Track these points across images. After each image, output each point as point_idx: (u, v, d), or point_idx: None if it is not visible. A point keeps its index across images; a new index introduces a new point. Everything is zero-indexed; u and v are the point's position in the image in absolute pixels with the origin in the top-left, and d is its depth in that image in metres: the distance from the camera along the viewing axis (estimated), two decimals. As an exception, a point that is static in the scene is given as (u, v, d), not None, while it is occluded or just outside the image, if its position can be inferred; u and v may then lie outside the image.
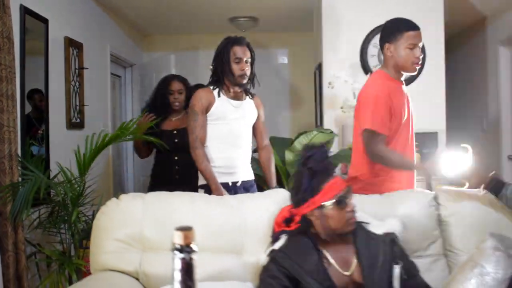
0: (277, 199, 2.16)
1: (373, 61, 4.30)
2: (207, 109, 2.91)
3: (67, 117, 3.96)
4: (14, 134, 2.85)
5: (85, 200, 3.22)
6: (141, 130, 3.40)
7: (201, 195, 2.30)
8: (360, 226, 1.90)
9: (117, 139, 3.25)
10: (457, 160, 2.23)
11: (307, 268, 1.74)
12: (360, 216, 1.92)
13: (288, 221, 1.94)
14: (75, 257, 3.16)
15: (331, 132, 3.45)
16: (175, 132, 3.59)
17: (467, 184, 2.37)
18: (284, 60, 6.36)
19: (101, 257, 2.13)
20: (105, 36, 4.96)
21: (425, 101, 4.28)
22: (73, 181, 3.07)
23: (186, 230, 0.86)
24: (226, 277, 2.04)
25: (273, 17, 5.57)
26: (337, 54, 4.36)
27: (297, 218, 1.86)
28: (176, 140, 3.56)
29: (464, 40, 6.37)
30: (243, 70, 2.89)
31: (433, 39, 4.39)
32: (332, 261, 1.79)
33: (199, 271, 2.16)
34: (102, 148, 3.22)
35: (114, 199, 2.25)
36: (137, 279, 2.09)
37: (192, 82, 4.64)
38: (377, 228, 1.94)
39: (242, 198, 2.28)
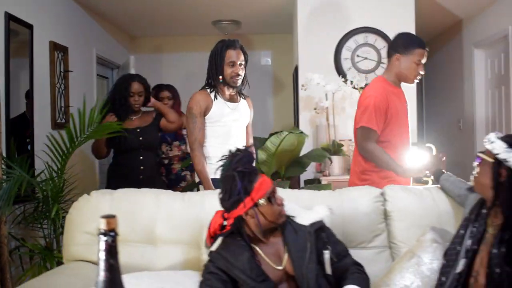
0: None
1: (347, 64, 4.49)
2: (205, 112, 3.03)
3: (52, 117, 4.15)
4: (-4, 134, 3.03)
5: (66, 197, 3.41)
6: (106, 130, 3.42)
7: (165, 191, 2.46)
8: (287, 220, 2.00)
9: (87, 139, 3.42)
10: (420, 157, 2.62)
11: (240, 266, 1.85)
12: (291, 208, 2.06)
13: (222, 227, 2.01)
14: (56, 251, 3.34)
15: (302, 132, 3.62)
16: (138, 130, 3.62)
17: (430, 181, 2.64)
18: (268, 61, 6.55)
19: (73, 248, 2.32)
20: (91, 39, 5.14)
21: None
22: (54, 178, 3.25)
23: (109, 217, 1.02)
24: (186, 267, 2.22)
25: (255, 20, 5.76)
26: (311, 57, 4.55)
27: (230, 221, 1.95)
28: (140, 138, 3.61)
29: (443, 42, 6.56)
30: (236, 73, 3.01)
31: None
32: (264, 257, 1.92)
33: (161, 262, 2.35)
34: (74, 148, 3.39)
35: (85, 195, 2.43)
36: (104, 268, 2.27)
37: (179, 83, 4.85)
38: (306, 217, 2.04)
39: (204, 194, 2.46)
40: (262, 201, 1.88)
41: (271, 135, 3.74)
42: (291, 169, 3.96)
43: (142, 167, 3.60)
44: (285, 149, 3.82)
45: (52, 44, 4.15)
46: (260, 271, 1.88)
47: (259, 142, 4.26)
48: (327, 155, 3.83)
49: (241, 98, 3.20)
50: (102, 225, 1.04)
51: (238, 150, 1.98)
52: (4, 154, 3.29)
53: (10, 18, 3.48)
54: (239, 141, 3.13)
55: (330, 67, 4.50)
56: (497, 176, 1.81)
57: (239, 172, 1.89)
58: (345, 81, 4.26)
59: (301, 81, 4.42)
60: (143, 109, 3.78)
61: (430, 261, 2.10)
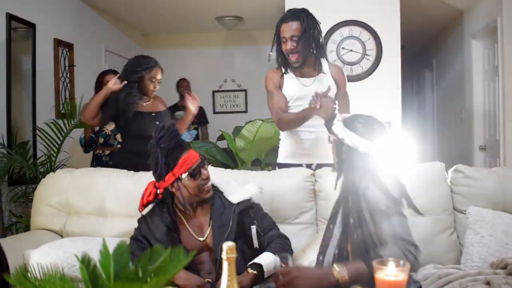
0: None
1: (332, 56, 4.65)
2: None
3: (56, 108, 4.54)
4: (-7, 122, 3.42)
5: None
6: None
7: (118, 171, 2.76)
8: (218, 196, 2.21)
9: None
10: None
11: (158, 236, 2.09)
12: (225, 181, 2.29)
13: (156, 195, 2.22)
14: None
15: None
16: (153, 114, 3.37)
17: None
18: (273, 55, 6.74)
19: (37, 219, 2.66)
20: (99, 36, 5.53)
21: (380, 94, 4.60)
22: (46, 163, 3.62)
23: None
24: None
25: (256, 15, 5.98)
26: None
27: (161, 190, 2.17)
28: (157, 123, 3.24)
29: (447, 35, 6.57)
30: (287, 49, 2.77)
31: (389, 35, 4.67)
32: (188, 227, 2.13)
33: (110, 232, 2.62)
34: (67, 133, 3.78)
35: (51, 173, 2.78)
36: (61, 236, 2.60)
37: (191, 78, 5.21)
38: (236, 194, 2.23)
39: (150, 174, 2.73)
40: (184, 176, 2.09)
41: (246, 123, 3.98)
42: (270, 156, 4.19)
43: None
44: (263, 137, 4.07)
45: (56, 41, 4.54)
46: (176, 243, 2.08)
47: (238, 130, 4.49)
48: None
49: (322, 72, 2.88)
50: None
51: (162, 127, 2.15)
52: (5, 143, 3.70)
53: (11, 18, 3.87)
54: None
55: (316, 60, 4.66)
56: (339, 150, 1.92)
57: (162, 149, 2.10)
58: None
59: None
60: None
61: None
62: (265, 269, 2.02)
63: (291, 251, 2.19)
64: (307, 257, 2.30)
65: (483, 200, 2.39)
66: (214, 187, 2.23)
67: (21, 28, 4.06)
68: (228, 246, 1.23)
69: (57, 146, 3.77)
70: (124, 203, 2.59)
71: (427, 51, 7.97)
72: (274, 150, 4.28)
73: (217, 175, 2.31)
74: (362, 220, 1.76)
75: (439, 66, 7.18)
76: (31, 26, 4.15)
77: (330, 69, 2.91)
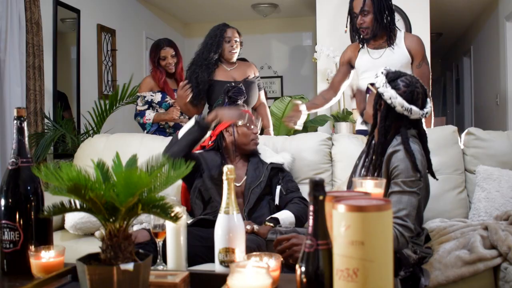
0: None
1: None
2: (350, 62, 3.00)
3: (99, 89, 4.85)
4: (40, 96, 3.73)
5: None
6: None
7: (149, 135, 3.00)
8: (255, 155, 2.52)
9: (119, 102, 4.05)
10: None
11: (209, 162, 2.41)
12: (264, 148, 2.54)
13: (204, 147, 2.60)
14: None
15: (302, 97, 3.99)
16: (233, 83, 3.08)
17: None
18: (308, 42, 6.88)
19: (76, 178, 2.92)
20: (140, 23, 5.84)
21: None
22: (88, 134, 3.91)
23: (19, 108, 1.53)
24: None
25: (290, 3, 6.13)
26: (329, 34, 4.85)
27: (217, 132, 2.49)
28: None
29: (484, 18, 6.52)
30: (358, 24, 2.84)
31: (419, 18, 4.72)
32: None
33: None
34: (113, 109, 4.04)
35: (90, 137, 3.04)
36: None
37: None
38: (272, 157, 2.53)
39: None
40: (240, 122, 2.45)
41: (275, 99, 4.15)
42: (298, 133, 4.34)
43: None
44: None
45: (99, 26, 4.85)
46: (221, 176, 2.34)
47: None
48: (330, 119, 4.16)
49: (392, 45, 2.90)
50: (14, 112, 1.55)
51: (232, 83, 2.73)
52: (51, 117, 4.02)
53: (58, 3, 4.19)
54: None
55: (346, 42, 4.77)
56: (377, 106, 1.98)
57: (229, 97, 2.57)
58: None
59: (316, 54, 4.76)
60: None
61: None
62: (281, 222, 2.23)
63: (307, 211, 2.36)
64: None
65: (493, 160, 2.47)
66: (256, 150, 2.53)
67: (68, 18, 4.36)
68: (228, 168, 1.41)
69: (100, 123, 4.04)
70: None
71: (465, 38, 7.91)
72: (304, 126, 4.46)
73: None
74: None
75: (477, 52, 7.12)
76: (76, 11, 4.46)
77: (406, 40, 2.91)
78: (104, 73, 4.93)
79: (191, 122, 2.33)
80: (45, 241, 1.50)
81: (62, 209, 1.16)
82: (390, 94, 1.88)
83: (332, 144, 2.75)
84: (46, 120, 3.85)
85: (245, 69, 3.30)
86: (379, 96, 1.95)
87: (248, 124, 2.44)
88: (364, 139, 2.72)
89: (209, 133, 2.37)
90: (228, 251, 1.37)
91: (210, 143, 2.59)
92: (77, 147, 3.96)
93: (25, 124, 1.56)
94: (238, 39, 3.28)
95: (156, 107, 3.56)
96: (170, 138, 2.98)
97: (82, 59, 4.56)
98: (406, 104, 1.85)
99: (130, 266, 1.06)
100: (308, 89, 6.90)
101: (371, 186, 1.33)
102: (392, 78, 1.95)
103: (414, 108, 1.86)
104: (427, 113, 1.91)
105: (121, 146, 2.89)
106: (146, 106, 3.55)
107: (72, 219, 2.37)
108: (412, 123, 1.94)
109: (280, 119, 4.19)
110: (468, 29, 7.46)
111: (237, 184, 2.43)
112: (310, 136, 2.80)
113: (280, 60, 7.02)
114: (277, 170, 2.47)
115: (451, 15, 6.46)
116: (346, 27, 2.96)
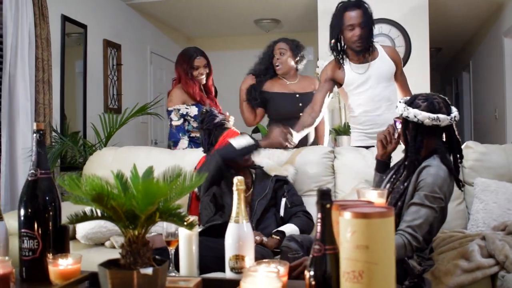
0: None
1: (362, 54, 4.84)
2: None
3: (104, 103, 4.95)
4: (48, 110, 3.81)
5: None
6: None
7: (155, 148, 3.08)
8: (260, 168, 2.60)
9: (133, 116, 4.13)
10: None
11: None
12: (265, 161, 2.61)
13: None
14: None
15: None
16: (298, 95, 3.33)
17: None
18: (310, 57, 6.97)
19: (85, 190, 2.99)
20: (145, 38, 5.95)
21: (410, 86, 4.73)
22: (93, 147, 3.98)
23: (39, 122, 1.62)
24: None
25: (292, 18, 6.25)
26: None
27: None
28: (300, 105, 3.27)
29: (483, 33, 6.64)
30: (356, 35, 2.88)
31: (418, 33, 4.83)
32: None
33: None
34: (122, 123, 4.12)
35: (98, 151, 3.12)
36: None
37: (234, 81, 5.40)
38: (274, 170, 2.61)
39: (186, 151, 3.04)
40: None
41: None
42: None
43: None
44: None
45: (105, 41, 4.96)
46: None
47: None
48: (332, 132, 4.23)
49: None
50: (34, 126, 1.63)
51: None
52: (59, 130, 4.11)
53: (65, 19, 4.30)
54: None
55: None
56: (406, 131, 2.06)
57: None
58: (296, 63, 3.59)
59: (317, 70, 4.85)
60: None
61: (355, 203, 2.51)
62: (286, 235, 2.28)
63: (312, 225, 2.47)
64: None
65: (490, 173, 2.55)
66: (256, 164, 2.60)
67: (72, 33, 4.47)
68: (238, 179, 1.48)
69: (109, 136, 4.11)
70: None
71: (464, 53, 8.02)
72: (303, 139, 4.53)
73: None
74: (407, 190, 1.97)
75: (476, 66, 7.23)
76: (83, 27, 4.57)
77: (387, 51, 3.03)
78: (109, 87, 5.02)
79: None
80: (62, 249, 1.57)
81: (84, 217, 1.23)
82: (414, 113, 1.97)
83: (335, 157, 2.83)
84: (53, 133, 3.93)
85: (305, 83, 3.39)
86: (405, 121, 2.05)
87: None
88: (365, 152, 2.80)
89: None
90: (238, 258, 1.44)
91: None
92: (84, 159, 4.06)
93: (44, 138, 1.64)
94: (285, 51, 3.33)
95: (191, 121, 3.37)
96: (176, 150, 3.08)
97: (89, 73, 4.65)
98: (432, 115, 1.93)
99: (149, 271, 1.14)
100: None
101: (375, 196, 1.41)
102: (410, 101, 2.05)
103: (440, 115, 1.94)
104: (455, 116, 1.98)
105: (129, 159, 2.96)
106: (181, 120, 3.35)
107: (83, 229, 2.44)
108: (445, 132, 2.01)
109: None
110: (467, 44, 7.58)
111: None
112: (313, 150, 2.88)
113: (281, 74, 7.12)
114: (282, 183, 2.54)
115: (450, 30, 6.58)
116: (331, 41, 2.99)
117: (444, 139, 2.06)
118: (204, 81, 3.49)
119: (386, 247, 0.99)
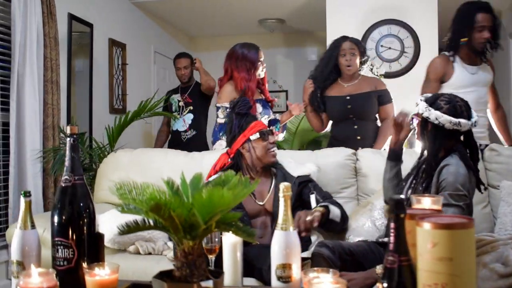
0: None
1: (371, 54, 4.79)
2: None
3: (110, 103, 4.87)
4: (57, 111, 3.73)
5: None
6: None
7: (172, 150, 3.01)
8: (280, 169, 2.51)
9: (138, 117, 4.05)
10: None
11: None
12: (287, 161, 2.55)
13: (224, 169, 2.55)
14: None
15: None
16: (348, 97, 3.20)
17: None
18: (313, 57, 6.94)
19: (100, 193, 2.93)
20: (149, 38, 5.87)
21: (419, 91, 4.70)
22: (103, 148, 3.90)
23: (72, 125, 1.55)
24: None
25: (297, 18, 6.20)
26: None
27: (233, 151, 2.48)
28: (349, 107, 3.18)
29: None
30: (485, 37, 2.95)
31: (427, 34, 4.80)
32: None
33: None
34: (127, 124, 4.04)
35: (113, 153, 3.05)
36: (122, 208, 2.85)
37: None
38: (297, 169, 2.53)
39: (204, 153, 2.98)
40: (253, 137, 2.42)
41: (280, 113, 4.17)
42: (310, 147, 4.38)
43: (358, 137, 3.15)
44: (305, 129, 4.26)
45: (111, 40, 4.88)
46: (240, 204, 2.31)
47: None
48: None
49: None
50: (68, 130, 1.57)
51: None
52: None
53: (72, 18, 4.22)
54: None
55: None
56: (424, 131, 2.08)
57: (237, 114, 2.47)
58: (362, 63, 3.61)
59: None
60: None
61: (381, 206, 2.48)
62: (330, 210, 2.30)
63: (346, 217, 2.44)
64: (349, 226, 2.49)
65: (515, 176, 2.52)
66: (277, 164, 2.51)
67: (79, 32, 4.38)
68: (284, 186, 1.43)
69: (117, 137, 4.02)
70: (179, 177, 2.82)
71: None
72: (316, 141, 4.49)
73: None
74: (427, 192, 1.94)
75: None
76: (89, 25, 4.49)
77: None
78: (115, 87, 4.94)
79: None
80: (97, 258, 1.51)
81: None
82: (436, 115, 1.95)
83: (357, 159, 2.79)
84: (61, 134, 3.85)
85: (364, 84, 3.25)
86: (424, 121, 2.03)
87: (264, 135, 2.43)
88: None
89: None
90: (285, 267, 1.39)
91: (229, 160, 2.58)
92: (90, 161, 3.98)
93: (77, 142, 1.58)
94: (355, 52, 3.23)
95: None
96: (193, 153, 3.01)
97: (94, 73, 4.57)
98: (453, 119, 1.91)
99: (210, 284, 1.09)
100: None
101: (429, 203, 1.36)
102: (432, 101, 2.04)
103: (462, 120, 1.92)
104: (476, 121, 1.96)
105: (146, 162, 2.91)
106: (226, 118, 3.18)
107: (110, 232, 2.35)
108: (464, 136, 1.99)
109: (294, 133, 4.23)
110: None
111: (260, 203, 2.42)
112: (334, 151, 2.84)
113: (285, 74, 7.08)
114: (306, 183, 2.46)
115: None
116: (448, 36, 3.08)
117: (462, 141, 2.05)
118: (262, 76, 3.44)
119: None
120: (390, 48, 4.83)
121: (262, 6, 5.83)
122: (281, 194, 1.42)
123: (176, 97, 4.59)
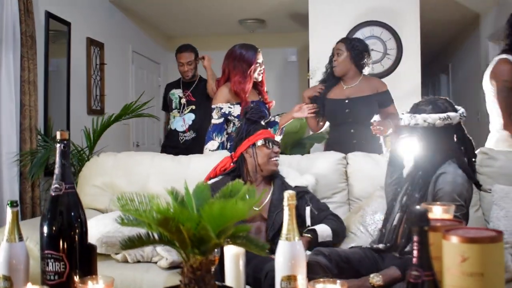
0: (214, 159, 2.72)
1: (354, 56, 4.79)
2: None
3: (88, 104, 4.73)
4: (34, 112, 3.60)
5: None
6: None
7: (160, 154, 2.92)
8: (280, 177, 2.47)
9: (120, 118, 3.94)
10: None
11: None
12: (286, 170, 2.51)
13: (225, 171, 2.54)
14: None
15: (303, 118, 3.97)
16: (347, 101, 3.14)
17: None
18: (293, 58, 6.92)
19: (83, 198, 2.79)
20: (127, 37, 5.75)
21: (401, 92, 4.72)
22: (81, 151, 3.78)
23: (63, 130, 1.46)
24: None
25: (278, 18, 6.16)
26: (322, 51, 4.87)
27: (237, 154, 2.45)
28: (347, 110, 3.13)
29: (461, 39, 6.71)
30: None
31: (409, 35, 4.81)
32: None
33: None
34: (107, 126, 3.92)
35: (95, 156, 2.94)
36: (106, 214, 2.75)
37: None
38: (295, 180, 2.50)
39: (191, 157, 2.89)
40: (259, 143, 2.41)
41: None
42: (295, 150, 4.34)
43: (354, 141, 3.11)
44: (289, 131, 4.21)
45: (89, 40, 4.74)
46: None
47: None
48: (326, 136, 4.16)
49: None
50: (58, 135, 1.48)
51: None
52: (43, 132, 3.88)
53: (49, 16, 4.08)
54: None
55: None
56: (417, 138, 2.02)
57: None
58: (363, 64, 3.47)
59: (311, 73, 4.78)
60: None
61: (373, 212, 2.45)
62: (319, 234, 2.25)
63: (344, 227, 2.41)
64: (348, 226, 2.46)
65: (506, 179, 2.51)
66: (277, 173, 2.48)
67: (56, 30, 4.24)
68: (289, 194, 1.37)
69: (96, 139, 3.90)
70: (166, 182, 2.73)
71: (442, 55, 8.11)
72: (299, 143, 4.45)
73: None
74: (424, 200, 1.90)
75: (455, 69, 7.31)
76: (67, 24, 4.36)
77: None
78: (93, 87, 4.81)
79: None
80: (89, 271, 1.43)
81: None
82: (423, 117, 1.92)
83: (347, 163, 2.75)
84: (39, 137, 3.71)
85: (365, 86, 3.17)
86: (412, 132, 2.01)
87: (268, 143, 2.41)
88: (378, 158, 2.73)
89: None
90: (291, 278, 1.33)
91: (232, 164, 2.55)
92: (71, 165, 3.84)
93: (68, 148, 1.49)
94: (341, 52, 3.16)
95: (234, 121, 3.16)
96: (180, 157, 2.93)
97: (72, 72, 4.44)
98: (441, 115, 1.90)
99: (221, 301, 1.02)
100: (292, 104, 6.92)
101: (440, 211, 1.32)
102: (413, 109, 2.04)
103: (450, 113, 1.91)
104: (463, 112, 1.95)
105: (131, 165, 2.82)
106: (222, 119, 3.14)
107: (97, 231, 2.22)
108: (456, 132, 1.96)
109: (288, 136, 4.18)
110: (447, 47, 7.65)
111: (256, 208, 2.37)
112: (325, 155, 2.79)
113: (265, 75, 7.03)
114: (303, 194, 2.42)
115: (430, 32, 6.61)
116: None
117: (455, 140, 2.03)
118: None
119: (499, 274, 0.91)
120: (372, 49, 4.79)
121: (241, 6, 5.76)
122: (285, 203, 1.36)
123: (178, 92, 4.18)
